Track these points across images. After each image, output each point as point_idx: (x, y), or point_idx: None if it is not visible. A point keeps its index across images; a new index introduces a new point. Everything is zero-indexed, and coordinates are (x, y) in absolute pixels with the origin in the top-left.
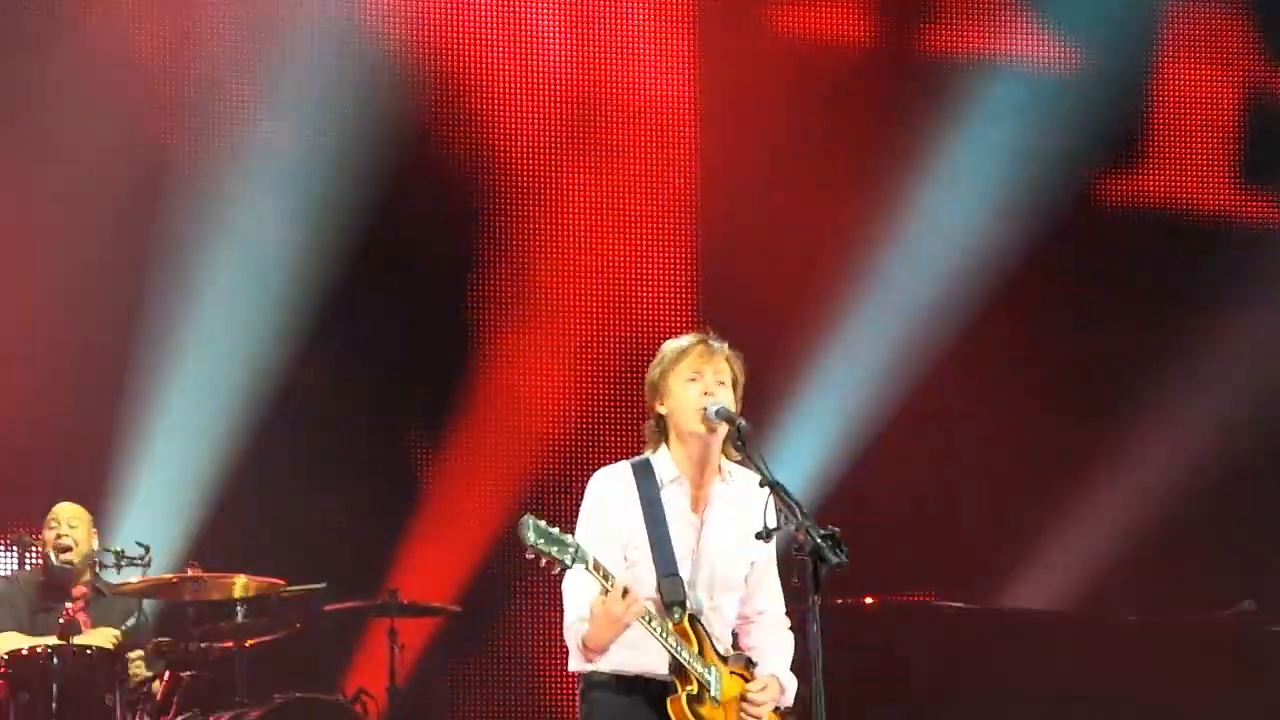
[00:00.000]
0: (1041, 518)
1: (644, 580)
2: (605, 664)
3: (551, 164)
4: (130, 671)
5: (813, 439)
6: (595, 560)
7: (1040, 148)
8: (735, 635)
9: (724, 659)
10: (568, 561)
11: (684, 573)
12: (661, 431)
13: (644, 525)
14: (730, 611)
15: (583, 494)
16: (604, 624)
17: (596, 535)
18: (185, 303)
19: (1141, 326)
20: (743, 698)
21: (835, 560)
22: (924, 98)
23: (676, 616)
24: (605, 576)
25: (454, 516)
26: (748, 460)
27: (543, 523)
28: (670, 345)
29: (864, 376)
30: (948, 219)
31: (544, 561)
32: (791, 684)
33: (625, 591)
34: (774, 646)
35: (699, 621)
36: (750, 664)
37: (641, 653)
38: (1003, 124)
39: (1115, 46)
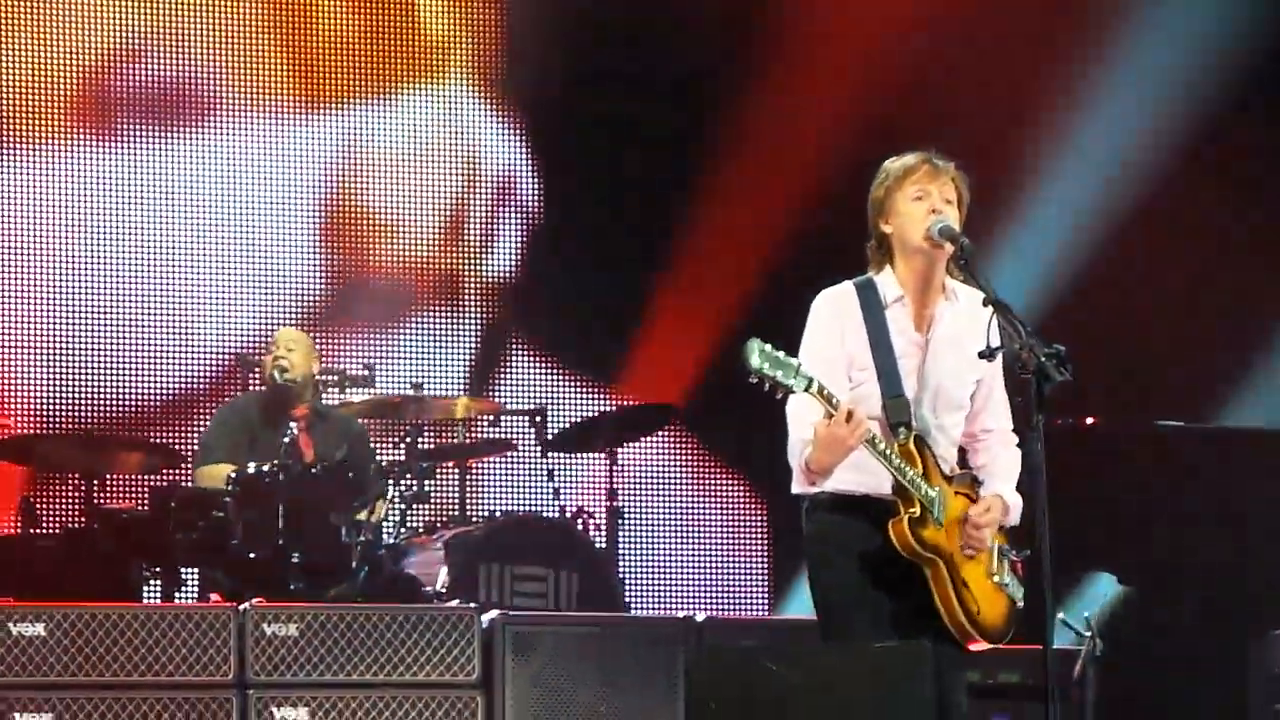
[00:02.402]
0: (1268, 335)
1: (869, 401)
2: (828, 486)
3: None
4: (353, 490)
5: (1032, 261)
6: (820, 383)
7: None
8: (964, 453)
9: (949, 479)
10: (792, 385)
11: (909, 393)
12: (884, 251)
13: (868, 346)
14: (956, 431)
15: (806, 315)
16: (828, 446)
17: (821, 357)
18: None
19: None
20: (964, 519)
21: (1060, 378)
22: None
23: (902, 437)
24: (829, 399)
25: (674, 341)
26: (971, 279)
27: (768, 346)
28: (895, 163)
29: (1086, 192)
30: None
31: (768, 385)
32: (1016, 503)
33: (850, 414)
34: (1000, 464)
35: (924, 442)
36: (976, 483)
37: (865, 474)
38: None
39: None
